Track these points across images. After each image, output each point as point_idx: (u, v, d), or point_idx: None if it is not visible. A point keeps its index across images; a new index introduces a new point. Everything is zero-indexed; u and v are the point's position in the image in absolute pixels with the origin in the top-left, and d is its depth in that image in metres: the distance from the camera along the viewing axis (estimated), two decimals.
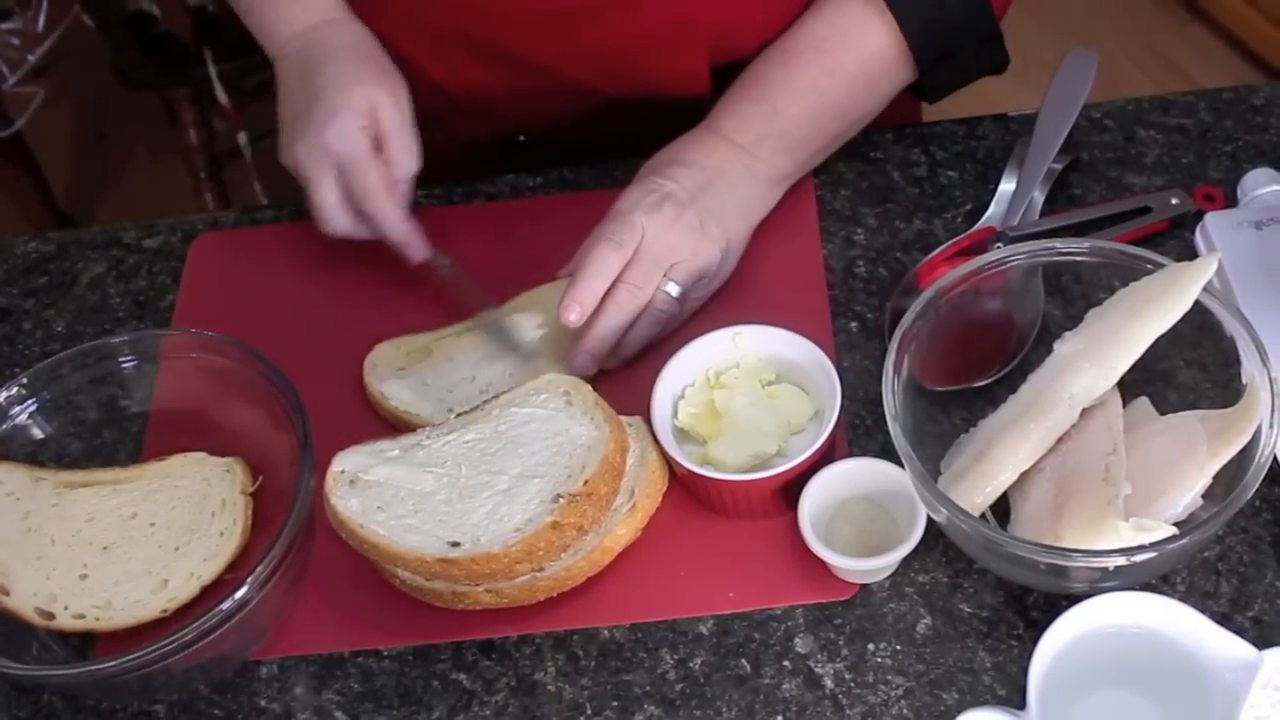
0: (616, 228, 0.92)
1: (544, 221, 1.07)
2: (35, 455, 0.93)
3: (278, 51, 1.05)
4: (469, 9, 1.03)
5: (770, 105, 0.98)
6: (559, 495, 0.82)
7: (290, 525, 0.83)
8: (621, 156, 1.06)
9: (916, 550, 0.83)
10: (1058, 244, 0.86)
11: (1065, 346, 0.84)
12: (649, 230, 0.92)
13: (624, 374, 0.95)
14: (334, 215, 0.99)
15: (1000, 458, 0.81)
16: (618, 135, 1.08)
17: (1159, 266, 0.83)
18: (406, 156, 0.99)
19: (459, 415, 0.89)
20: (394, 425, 0.95)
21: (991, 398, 0.88)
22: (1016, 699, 0.80)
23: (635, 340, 0.95)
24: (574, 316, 0.90)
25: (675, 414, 0.90)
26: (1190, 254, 0.96)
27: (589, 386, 0.88)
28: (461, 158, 1.16)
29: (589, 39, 1.03)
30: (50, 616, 0.86)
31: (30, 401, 0.93)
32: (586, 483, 0.82)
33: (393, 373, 0.97)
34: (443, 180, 1.11)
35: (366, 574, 0.88)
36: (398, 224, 0.98)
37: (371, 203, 0.97)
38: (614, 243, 0.91)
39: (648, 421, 0.89)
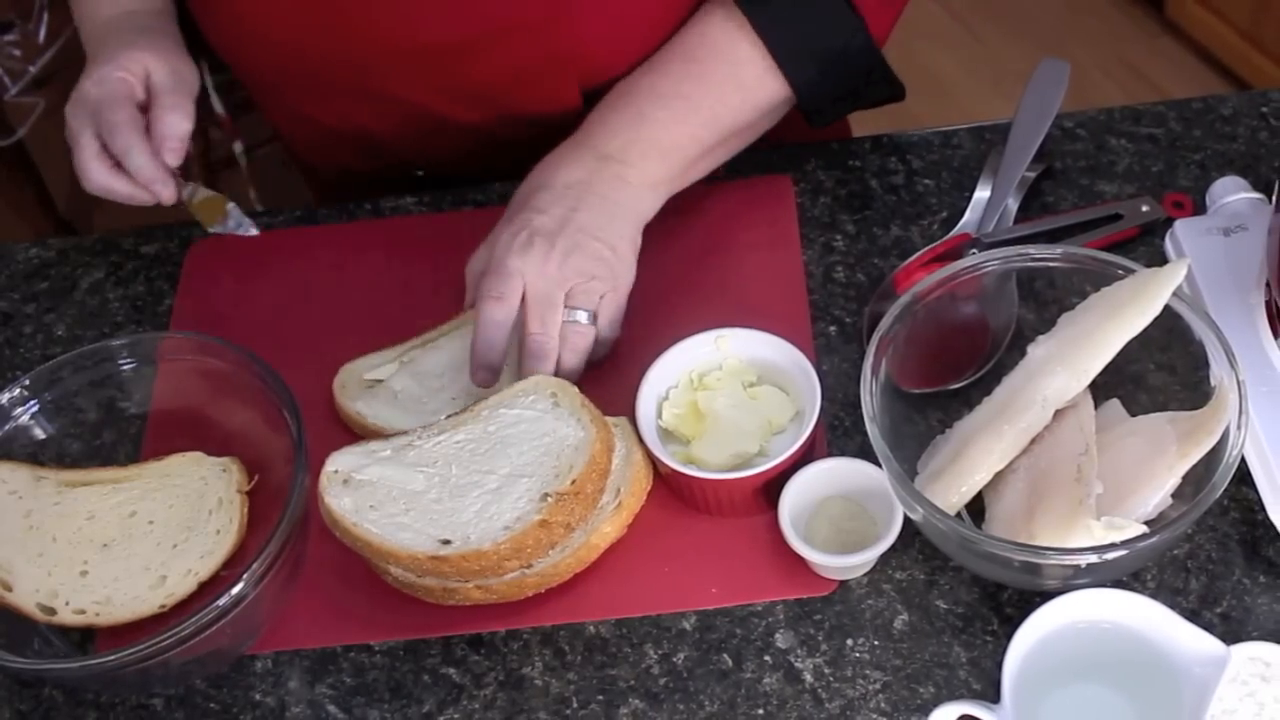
0: (494, 282, 0.90)
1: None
2: (37, 455, 0.94)
3: (86, 42, 1.05)
4: (343, 55, 1.02)
5: (636, 111, 0.97)
6: (547, 494, 0.83)
7: (285, 523, 0.83)
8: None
9: (894, 548, 0.84)
10: (1031, 250, 0.87)
11: (1038, 350, 0.84)
12: (527, 273, 0.90)
13: (610, 376, 0.95)
14: (89, 166, 0.98)
15: (975, 458, 0.82)
16: (510, 161, 1.04)
17: (1130, 272, 0.83)
18: (175, 114, 0.98)
19: (449, 416, 0.89)
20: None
21: (967, 400, 0.88)
22: (991, 693, 0.81)
23: (568, 374, 0.93)
24: (482, 379, 0.91)
25: (660, 415, 0.91)
26: (1160, 260, 0.97)
27: (576, 389, 0.88)
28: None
29: (463, 76, 1.03)
30: (52, 612, 0.87)
31: (32, 403, 0.93)
32: (574, 482, 0.83)
33: (362, 390, 0.97)
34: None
35: (359, 571, 0.89)
36: (144, 161, 0.97)
37: (118, 139, 0.96)
38: (494, 298, 0.90)
39: (633, 422, 0.90)
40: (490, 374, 0.92)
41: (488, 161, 1.10)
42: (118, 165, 0.99)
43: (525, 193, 0.95)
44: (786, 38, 0.96)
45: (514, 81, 1.03)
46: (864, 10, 0.97)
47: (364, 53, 1.02)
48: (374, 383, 0.98)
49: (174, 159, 0.99)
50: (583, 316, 0.92)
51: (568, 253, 0.91)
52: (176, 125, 0.98)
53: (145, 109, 1.00)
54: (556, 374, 0.91)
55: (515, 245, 0.91)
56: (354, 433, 0.95)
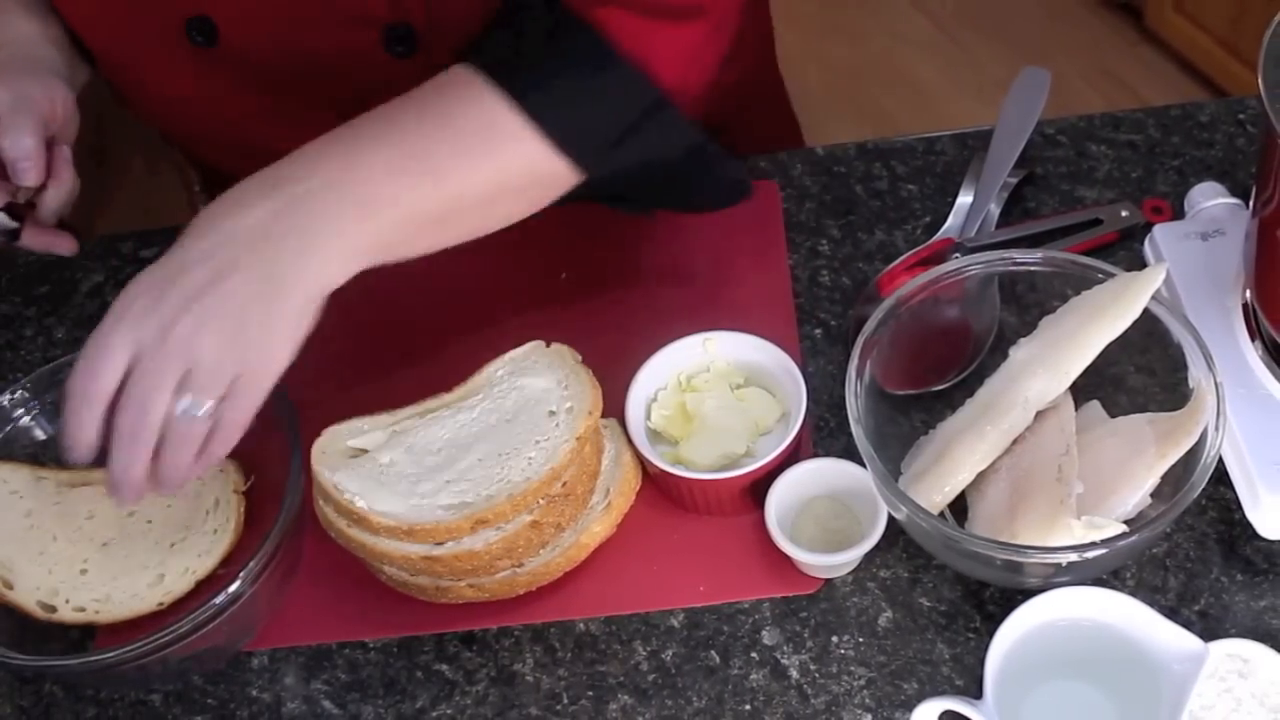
0: (91, 356, 0.73)
1: None
2: (37, 456, 0.94)
3: None
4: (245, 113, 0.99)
5: (350, 144, 0.79)
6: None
7: (281, 523, 0.84)
8: None
9: (878, 547, 0.84)
10: (1013, 254, 0.87)
11: (1020, 352, 0.84)
12: (140, 343, 0.73)
13: (600, 378, 0.92)
14: None
15: (958, 458, 0.82)
16: None
17: (1110, 276, 0.83)
18: (10, 136, 0.87)
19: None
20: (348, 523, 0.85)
21: (950, 401, 0.88)
22: (974, 689, 0.81)
23: (173, 469, 0.75)
24: (68, 456, 0.75)
25: (648, 416, 0.92)
26: (1139, 264, 0.97)
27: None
28: None
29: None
30: (52, 609, 0.87)
31: (33, 404, 0.94)
32: (564, 483, 0.84)
33: (344, 460, 0.86)
34: None
35: (354, 569, 0.89)
36: None
37: None
38: (86, 374, 0.73)
39: (622, 423, 0.90)
40: (79, 452, 0.74)
41: None
42: None
43: (191, 227, 0.76)
44: (556, 108, 0.81)
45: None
46: (654, 66, 0.81)
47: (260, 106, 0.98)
48: (358, 452, 0.87)
49: (29, 179, 0.89)
50: (197, 408, 0.73)
51: (198, 327, 0.72)
52: (15, 145, 0.88)
53: None
54: (156, 468, 0.74)
55: (134, 310, 0.73)
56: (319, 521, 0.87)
